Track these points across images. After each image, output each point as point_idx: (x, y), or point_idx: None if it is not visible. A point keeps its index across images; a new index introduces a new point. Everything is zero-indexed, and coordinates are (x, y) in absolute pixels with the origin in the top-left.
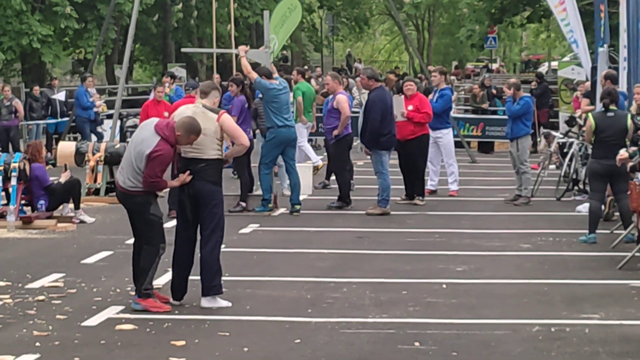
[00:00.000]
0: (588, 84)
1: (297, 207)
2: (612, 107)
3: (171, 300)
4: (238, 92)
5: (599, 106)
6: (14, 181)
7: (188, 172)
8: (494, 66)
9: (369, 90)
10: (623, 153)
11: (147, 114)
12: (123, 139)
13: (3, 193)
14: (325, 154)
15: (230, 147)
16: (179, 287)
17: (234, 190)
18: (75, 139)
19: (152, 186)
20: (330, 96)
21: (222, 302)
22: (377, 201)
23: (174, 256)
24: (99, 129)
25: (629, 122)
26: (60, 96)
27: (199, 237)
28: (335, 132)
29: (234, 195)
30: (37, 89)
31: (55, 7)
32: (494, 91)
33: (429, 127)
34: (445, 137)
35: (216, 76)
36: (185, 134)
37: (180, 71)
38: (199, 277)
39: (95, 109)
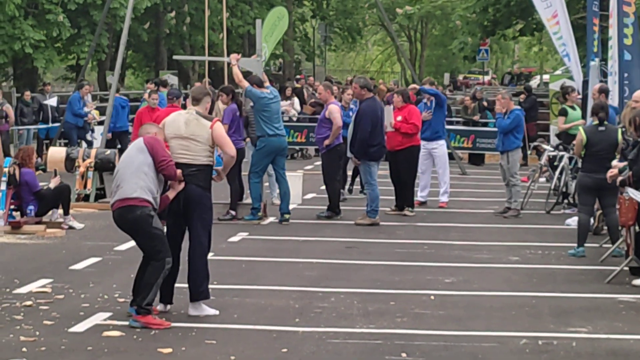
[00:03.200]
0: (575, 94)
1: (287, 216)
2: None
3: (158, 307)
4: (229, 101)
5: (589, 119)
6: (3, 186)
7: (180, 172)
8: (486, 78)
9: (361, 100)
10: (615, 165)
11: (141, 121)
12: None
13: None
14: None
15: (221, 155)
16: (166, 291)
17: (224, 198)
18: (66, 144)
19: (170, 167)
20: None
21: (210, 310)
22: (366, 211)
23: None
24: (88, 137)
25: (620, 137)
26: (52, 102)
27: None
28: (327, 142)
29: (224, 203)
30: (28, 94)
31: (48, 14)
32: (485, 103)
33: (426, 138)
34: (440, 148)
35: (207, 80)
36: None
37: (172, 78)
38: (186, 285)
39: (85, 119)
